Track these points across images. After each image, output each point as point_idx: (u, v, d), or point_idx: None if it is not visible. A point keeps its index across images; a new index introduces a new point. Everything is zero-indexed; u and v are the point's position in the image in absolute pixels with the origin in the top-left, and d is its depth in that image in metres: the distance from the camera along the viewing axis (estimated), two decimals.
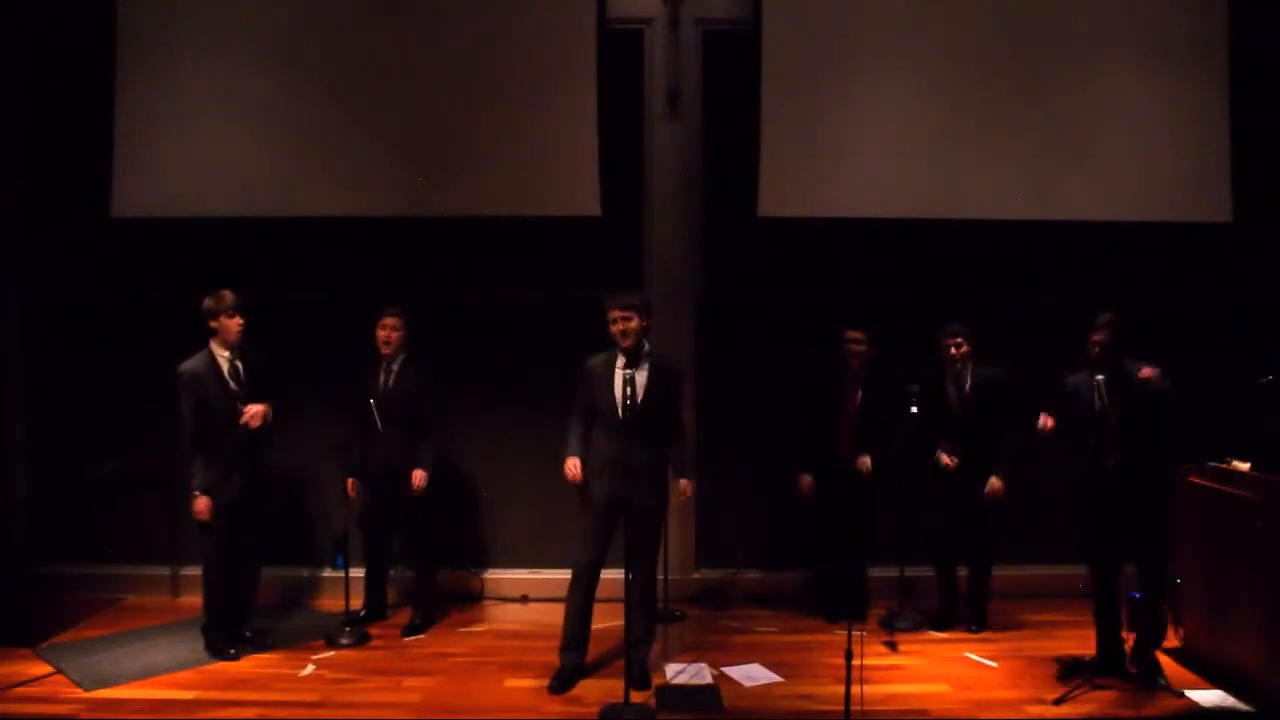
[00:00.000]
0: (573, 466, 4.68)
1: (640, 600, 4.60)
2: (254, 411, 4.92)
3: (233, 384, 4.94)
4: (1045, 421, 4.73)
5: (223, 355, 4.94)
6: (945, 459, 5.34)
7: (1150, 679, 4.60)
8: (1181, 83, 5.83)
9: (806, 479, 5.53)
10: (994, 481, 5.28)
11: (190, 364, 4.88)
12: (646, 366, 4.64)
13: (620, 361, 4.62)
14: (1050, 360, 4.89)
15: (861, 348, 5.47)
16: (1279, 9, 5.97)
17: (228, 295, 4.91)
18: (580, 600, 4.72)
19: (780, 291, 6.10)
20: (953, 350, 5.35)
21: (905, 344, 5.55)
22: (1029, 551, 5.95)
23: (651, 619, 4.81)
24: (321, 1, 5.80)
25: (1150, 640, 4.65)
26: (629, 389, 4.49)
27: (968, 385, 5.37)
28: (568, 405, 4.81)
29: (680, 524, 6.00)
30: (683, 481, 4.85)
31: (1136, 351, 4.59)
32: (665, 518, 4.92)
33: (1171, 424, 4.54)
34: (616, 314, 4.59)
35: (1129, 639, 4.72)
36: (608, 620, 5.50)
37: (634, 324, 4.58)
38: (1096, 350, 4.62)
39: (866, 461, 5.43)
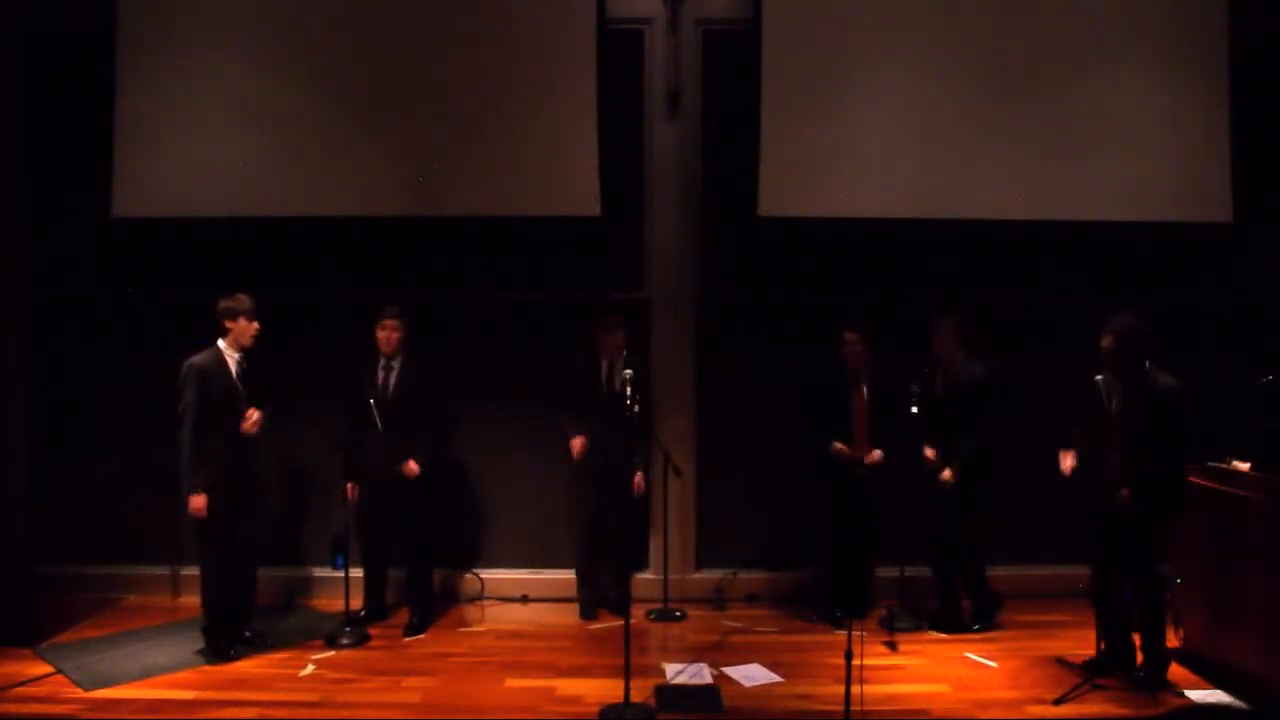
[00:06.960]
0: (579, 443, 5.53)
1: (617, 537, 5.67)
2: (255, 419, 4.93)
3: (240, 385, 4.95)
4: (1065, 463, 4.78)
5: (232, 355, 4.94)
6: (928, 451, 5.35)
7: (1153, 679, 4.60)
8: (1181, 82, 5.83)
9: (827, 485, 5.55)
10: (945, 473, 5.28)
11: (199, 359, 4.88)
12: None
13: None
14: (1049, 360, 4.89)
15: (859, 348, 5.47)
16: (1279, 9, 5.97)
17: (245, 299, 4.93)
18: (588, 547, 5.68)
19: (780, 291, 6.10)
20: (936, 344, 5.37)
21: (906, 344, 5.54)
22: (1029, 551, 5.94)
23: (629, 552, 5.72)
24: (322, 2, 5.80)
25: (1153, 640, 4.65)
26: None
27: (951, 377, 5.37)
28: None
29: (680, 524, 6.01)
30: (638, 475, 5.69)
31: (1150, 356, 4.57)
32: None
33: (1178, 430, 4.53)
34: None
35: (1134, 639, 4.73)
36: (607, 620, 5.52)
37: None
38: (1104, 353, 4.63)
39: (877, 455, 5.44)
